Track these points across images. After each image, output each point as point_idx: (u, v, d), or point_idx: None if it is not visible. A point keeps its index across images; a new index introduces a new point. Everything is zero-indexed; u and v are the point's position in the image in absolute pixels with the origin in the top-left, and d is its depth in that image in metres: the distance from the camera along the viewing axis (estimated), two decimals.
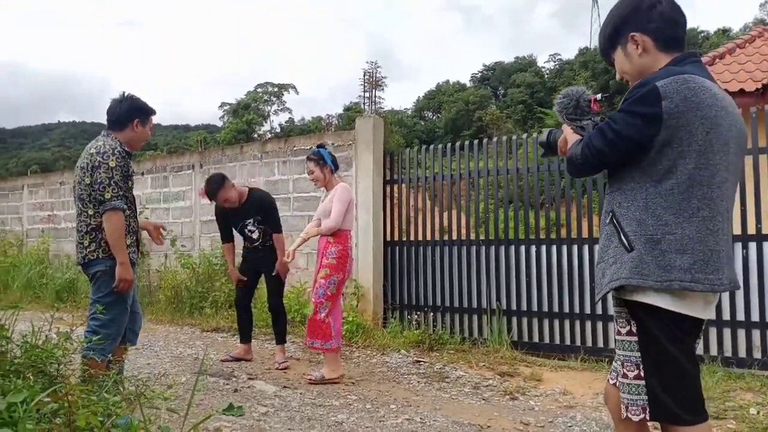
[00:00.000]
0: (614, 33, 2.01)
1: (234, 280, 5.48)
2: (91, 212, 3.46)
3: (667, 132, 1.76)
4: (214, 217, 5.59)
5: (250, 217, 5.20)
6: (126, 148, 3.56)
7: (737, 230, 5.16)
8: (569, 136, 2.06)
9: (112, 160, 3.41)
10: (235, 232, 5.41)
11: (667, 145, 1.78)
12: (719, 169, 1.80)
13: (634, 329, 1.87)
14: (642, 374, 1.84)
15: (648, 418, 1.85)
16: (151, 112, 3.75)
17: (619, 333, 1.93)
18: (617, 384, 1.98)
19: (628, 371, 1.88)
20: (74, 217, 10.84)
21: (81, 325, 2.91)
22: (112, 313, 3.40)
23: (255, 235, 5.23)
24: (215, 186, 5.12)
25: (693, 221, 1.78)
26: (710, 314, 1.90)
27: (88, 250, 3.46)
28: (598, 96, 2.03)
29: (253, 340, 5.55)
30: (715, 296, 1.89)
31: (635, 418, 1.87)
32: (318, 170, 4.79)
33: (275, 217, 5.27)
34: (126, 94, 3.69)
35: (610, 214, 1.92)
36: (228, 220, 5.35)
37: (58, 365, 2.37)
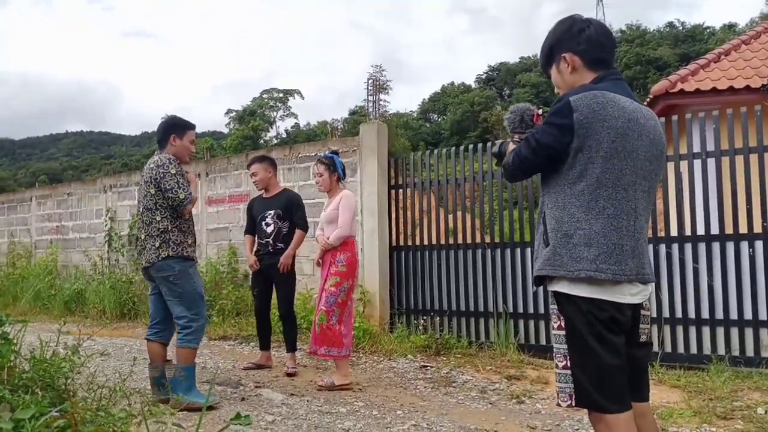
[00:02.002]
0: (550, 52, 2.25)
1: (251, 264, 5.44)
2: (158, 218, 3.99)
3: (579, 140, 1.97)
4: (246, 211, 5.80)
5: (272, 209, 5.32)
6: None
7: (744, 229, 5.16)
8: (510, 147, 2.29)
9: (173, 167, 3.99)
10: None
11: (579, 152, 1.98)
12: (625, 173, 1.99)
13: (563, 324, 2.04)
14: (569, 364, 2.02)
15: (574, 404, 2.01)
16: (187, 126, 4.28)
17: (553, 328, 2.10)
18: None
19: (558, 362, 2.05)
20: (83, 228, 10.75)
21: (89, 338, 2.94)
22: (196, 307, 4.01)
23: (269, 229, 5.28)
24: (256, 158, 5.57)
25: (599, 218, 1.98)
26: (630, 300, 2.02)
27: (160, 250, 3.96)
28: (540, 111, 2.27)
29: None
30: (634, 285, 2.02)
31: (564, 404, 2.04)
32: (326, 174, 4.86)
33: (301, 214, 5.34)
34: (166, 115, 4.23)
35: (542, 214, 2.13)
36: (253, 212, 5.49)
37: (66, 379, 2.40)
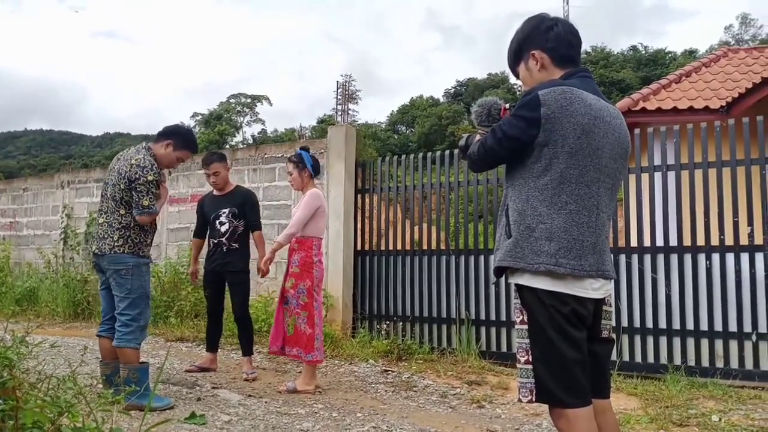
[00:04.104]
0: (518, 50, 2.26)
1: (191, 275, 5.51)
2: (122, 212, 3.93)
3: (545, 134, 1.98)
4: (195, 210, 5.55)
5: (227, 207, 5.14)
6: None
7: (701, 241, 5.28)
8: (476, 139, 2.27)
9: (151, 175, 3.88)
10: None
11: (545, 146, 1.99)
12: (589, 170, 2.01)
13: (526, 319, 2.03)
14: (530, 359, 2.01)
15: (534, 400, 2.00)
16: (191, 148, 4.24)
17: (515, 322, 2.10)
18: None
19: (521, 357, 2.04)
20: (38, 225, 10.36)
21: (37, 329, 2.83)
22: (140, 306, 3.91)
23: (224, 228, 5.10)
24: (216, 156, 5.29)
25: (561, 213, 1.99)
26: (593, 294, 2.02)
27: (116, 244, 3.89)
28: (507, 105, 2.25)
29: (219, 350, 5.44)
30: (596, 280, 2.02)
31: (524, 400, 2.02)
32: (296, 173, 4.73)
33: (256, 214, 5.21)
34: (187, 125, 4.17)
35: (505, 206, 2.14)
36: (205, 211, 5.28)
37: (12, 368, 2.29)
